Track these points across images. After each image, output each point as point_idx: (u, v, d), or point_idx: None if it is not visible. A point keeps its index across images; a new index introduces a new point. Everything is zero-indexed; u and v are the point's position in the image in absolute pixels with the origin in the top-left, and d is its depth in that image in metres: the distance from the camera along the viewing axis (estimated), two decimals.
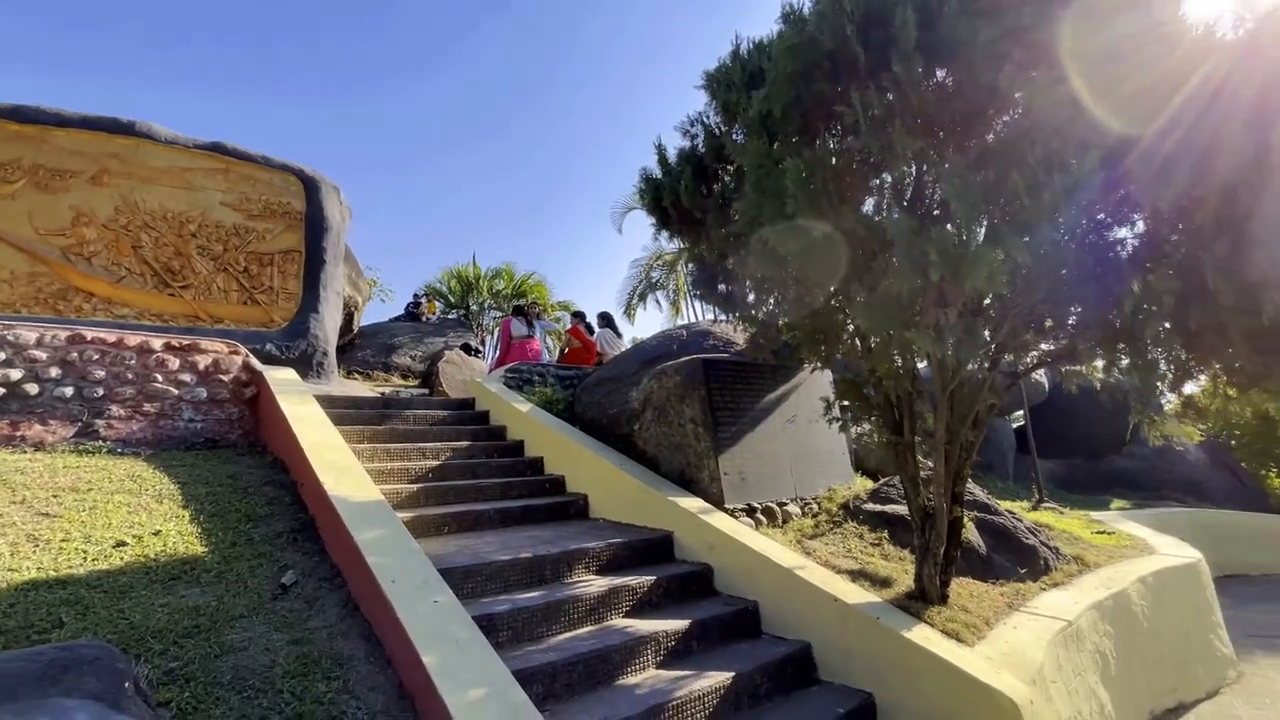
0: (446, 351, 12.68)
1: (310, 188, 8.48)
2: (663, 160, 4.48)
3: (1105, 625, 4.06)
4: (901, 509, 5.14)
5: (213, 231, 7.57)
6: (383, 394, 8.06)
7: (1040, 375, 10.23)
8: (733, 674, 3.19)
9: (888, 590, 3.84)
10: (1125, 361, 3.15)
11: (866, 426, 4.37)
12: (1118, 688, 3.91)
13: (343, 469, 4.07)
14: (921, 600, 3.68)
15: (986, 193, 2.14)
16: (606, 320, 9.71)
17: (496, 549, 3.95)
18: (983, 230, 2.18)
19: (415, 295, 16.53)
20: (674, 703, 2.90)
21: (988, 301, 3.22)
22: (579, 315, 9.14)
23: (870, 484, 5.94)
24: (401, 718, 2.31)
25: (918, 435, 3.96)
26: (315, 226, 8.44)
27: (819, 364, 4.75)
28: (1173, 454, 11.46)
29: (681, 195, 4.09)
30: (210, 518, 3.70)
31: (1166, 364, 2.82)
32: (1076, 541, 5.55)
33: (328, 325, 8.44)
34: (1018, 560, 4.69)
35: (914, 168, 2.53)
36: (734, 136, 3.81)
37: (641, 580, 3.88)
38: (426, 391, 9.30)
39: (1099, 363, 2.96)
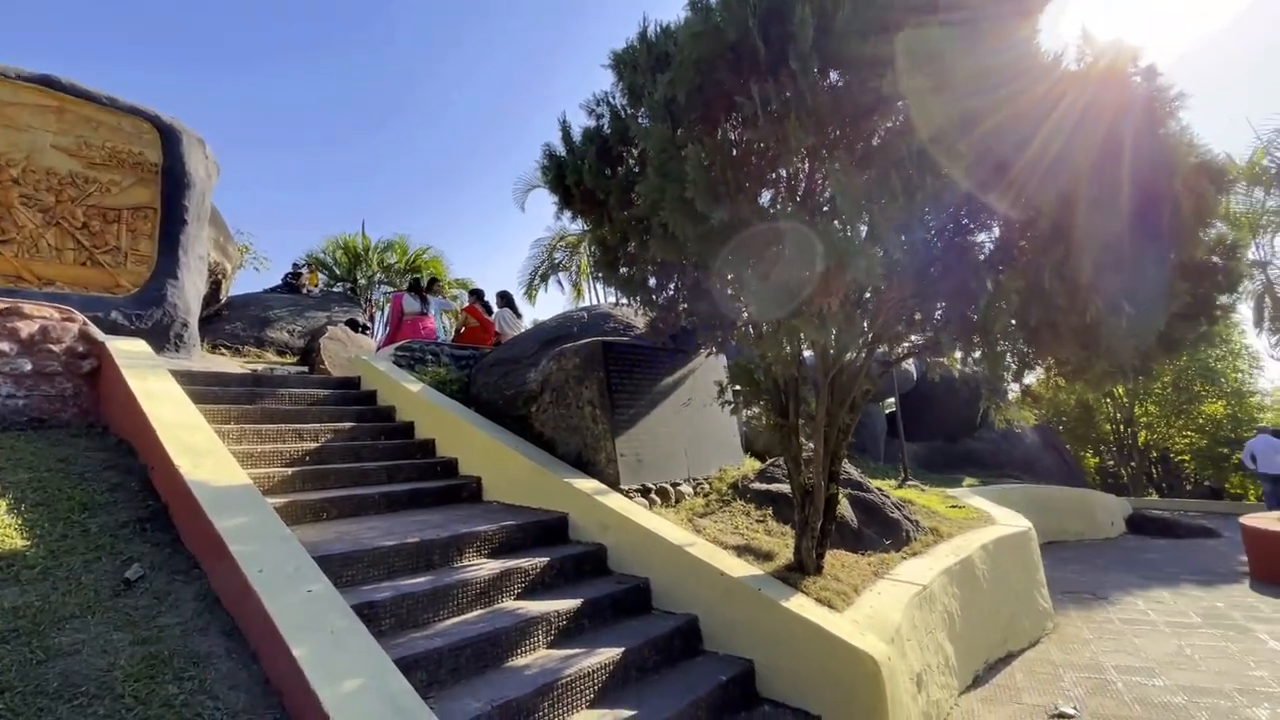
0: (330, 327, 11.85)
1: (168, 137, 7.54)
2: (567, 138, 4.40)
3: (953, 588, 4.55)
4: (785, 488, 5.46)
5: (41, 179, 6.54)
6: (254, 371, 7.38)
7: (909, 365, 11.21)
8: (622, 649, 3.26)
9: (770, 563, 4.07)
10: (978, 353, 3.52)
11: (756, 410, 4.57)
12: (961, 641, 4.41)
13: (203, 451, 3.70)
14: (799, 572, 3.93)
15: (869, 191, 2.30)
16: (506, 300, 9.46)
17: (380, 534, 3.77)
18: (865, 227, 2.35)
19: (295, 265, 15.24)
20: (563, 680, 2.92)
21: (868, 295, 3.47)
22: (477, 294, 8.83)
23: (758, 465, 6.25)
24: (268, 715, 2.15)
25: (801, 418, 4.20)
26: (174, 181, 7.52)
27: (714, 349, 4.92)
28: (1014, 437, 13.03)
29: (585, 175, 4.04)
30: (34, 508, 3.23)
31: (1011, 356, 3.17)
32: (934, 515, 6.16)
33: (188, 293, 7.59)
34: (884, 533, 5.14)
35: (807, 164, 2.67)
36: (639, 120, 3.81)
37: (534, 562, 3.86)
38: (306, 369, 8.63)
39: (958, 354, 3.27)
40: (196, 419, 4.22)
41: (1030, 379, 4.30)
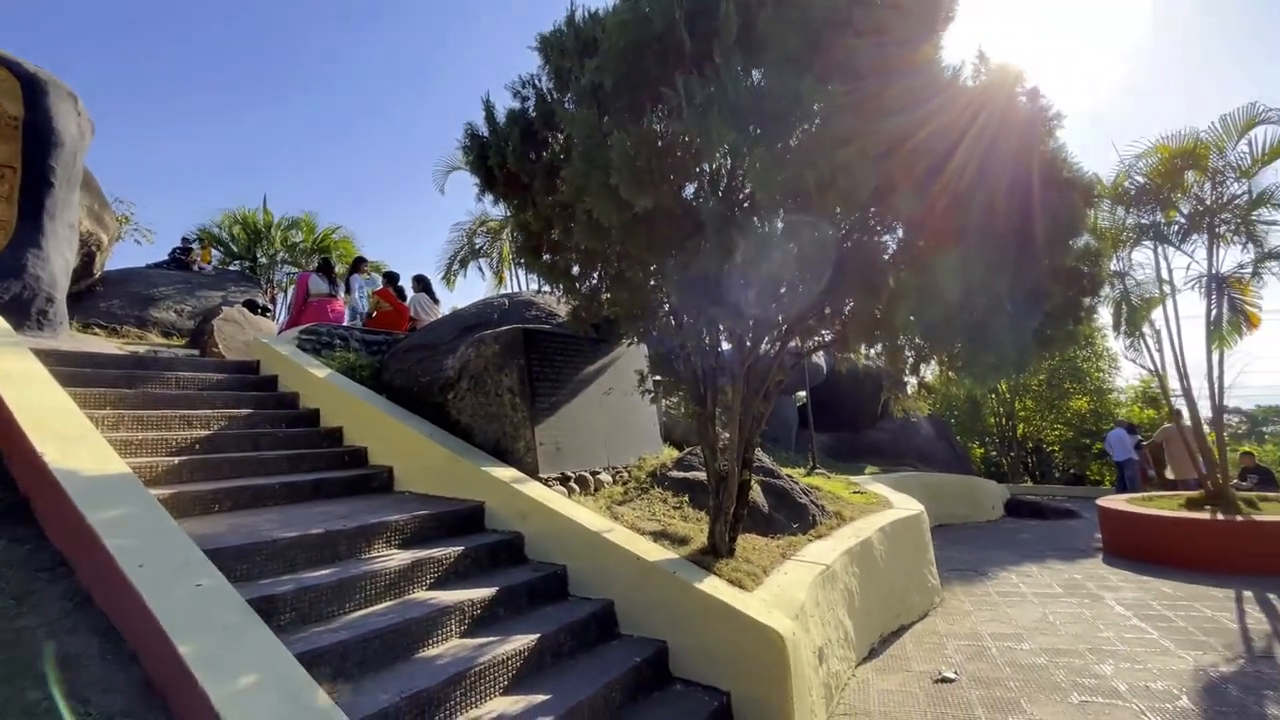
0: (226, 308, 10.99)
1: (32, 89, 6.71)
2: (490, 118, 4.29)
3: (853, 567, 4.86)
4: (701, 475, 5.61)
5: None
6: (135, 353, 6.73)
7: (820, 359, 11.80)
8: (537, 636, 3.26)
9: (685, 548, 4.18)
10: (880, 346, 3.77)
11: (676, 399, 4.67)
12: (859, 617, 4.71)
13: (72, 437, 3.35)
14: (713, 555, 4.07)
15: (786, 188, 2.41)
16: (423, 284, 9.12)
17: (280, 526, 3.57)
18: (781, 223, 2.46)
19: (185, 239, 13.97)
20: (476, 669, 2.89)
21: (783, 290, 3.62)
22: (390, 277, 8.44)
23: (676, 453, 6.39)
24: (148, 718, 2.00)
25: (718, 407, 4.33)
26: (39, 138, 6.71)
27: (636, 339, 4.97)
28: (911, 429, 14.01)
29: (509, 157, 3.96)
30: None
31: (910, 350, 3.41)
32: (838, 500, 6.53)
33: (54, 265, 6.81)
34: (793, 517, 5.40)
35: (729, 160, 2.75)
36: (565, 104, 3.78)
37: (448, 552, 3.77)
38: (196, 352, 7.96)
39: (863, 348, 3.48)
40: (64, 403, 3.81)
41: (926, 373, 4.65)
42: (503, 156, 3.99)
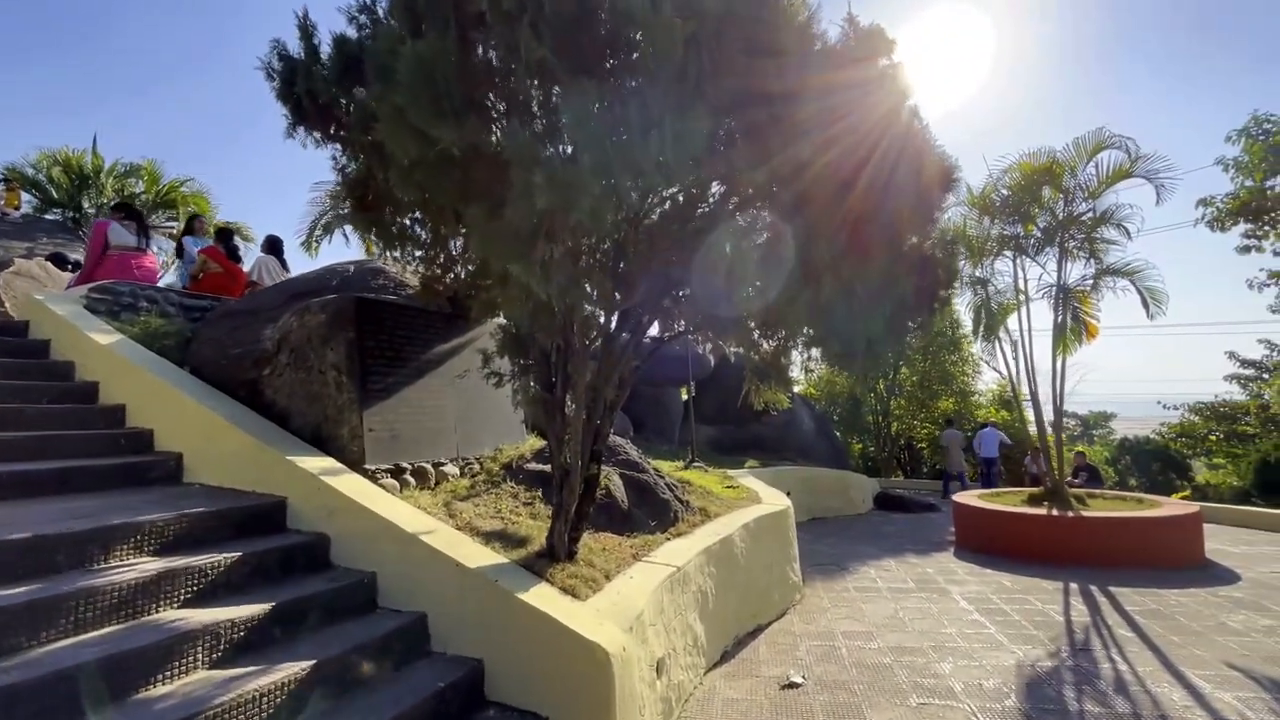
0: (22, 260, 9.26)
1: None
2: (306, 35, 3.57)
3: (711, 567, 4.60)
4: None
5: None
6: None
7: (707, 350, 11.77)
8: (313, 662, 2.68)
9: (520, 550, 3.72)
10: (754, 336, 3.48)
11: (530, 383, 4.20)
12: (714, 619, 4.47)
13: None
14: (550, 559, 3.63)
15: (606, 125, 1.99)
16: (273, 247, 8.02)
17: None
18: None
19: None
20: (214, 711, 2.28)
21: (623, 265, 3.22)
22: (223, 234, 7.28)
23: (540, 443, 5.91)
24: None
25: (570, 393, 3.89)
26: None
27: (489, 312, 4.43)
28: (794, 424, 14.38)
29: (319, 84, 3.28)
30: None
31: (760, 333, 3.12)
32: (708, 495, 6.32)
33: None
34: (654, 514, 5.08)
35: (542, 90, 2.29)
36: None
37: (219, 559, 3.09)
38: None
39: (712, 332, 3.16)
40: None
41: (792, 361, 4.45)
42: (313, 83, 3.30)
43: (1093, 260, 8.28)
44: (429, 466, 4.82)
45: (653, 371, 10.93)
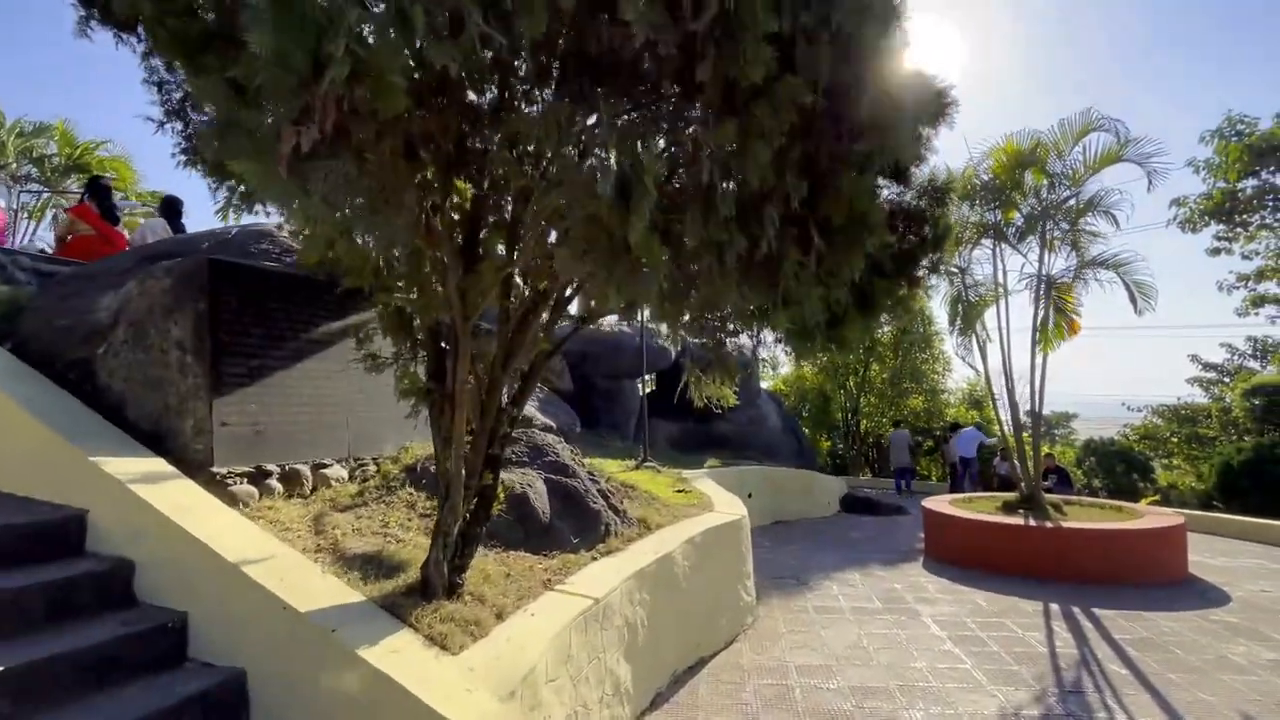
0: None
1: None
2: None
3: (644, 593, 3.86)
4: None
5: None
6: None
7: (666, 341, 11.02)
8: None
9: (388, 583, 2.92)
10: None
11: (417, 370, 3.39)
12: (644, 657, 3.73)
13: None
14: (423, 595, 2.84)
15: None
16: (169, 207, 6.98)
17: None
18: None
19: None
20: None
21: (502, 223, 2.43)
22: (97, 190, 6.23)
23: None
24: None
25: (460, 383, 3.09)
26: None
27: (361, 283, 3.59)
28: (761, 421, 13.76)
29: None
30: None
31: (683, 305, 2.36)
32: (653, 501, 5.58)
33: None
34: (580, 527, 4.32)
35: None
36: None
37: None
38: None
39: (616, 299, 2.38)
40: None
41: (740, 350, 3.72)
42: None
43: (1075, 252, 7.74)
44: (305, 469, 3.98)
45: (606, 362, 10.13)
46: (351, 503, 3.94)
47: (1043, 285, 7.40)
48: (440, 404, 3.02)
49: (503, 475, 4.41)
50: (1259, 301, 16.88)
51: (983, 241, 8.03)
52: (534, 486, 4.35)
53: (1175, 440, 21.30)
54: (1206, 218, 15.99)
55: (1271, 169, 15.02)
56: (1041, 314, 7.31)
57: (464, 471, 2.90)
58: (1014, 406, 7.95)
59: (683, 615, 4.31)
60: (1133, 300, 7.15)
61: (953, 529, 7.15)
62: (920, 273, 2.44)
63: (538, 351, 3.23)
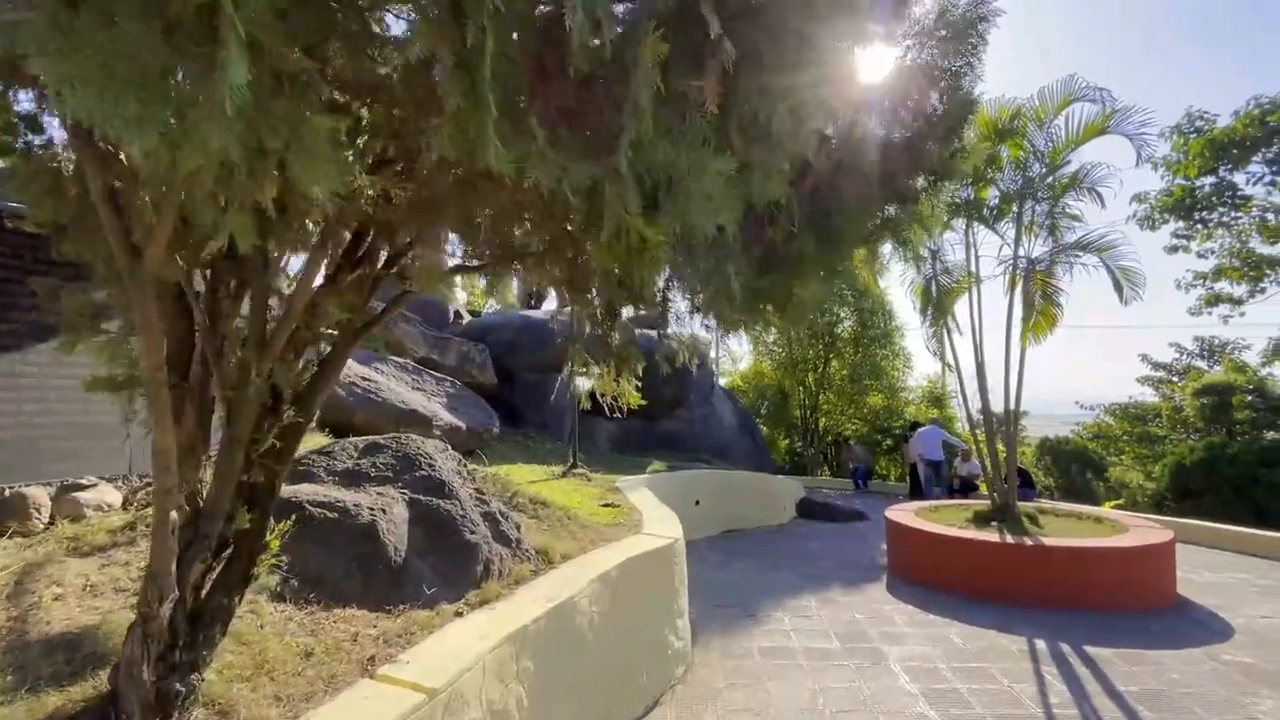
0: None
1: None
2: None
3: (524, 661, 2.82)
4: (312, 490, 3.26)
5: None
6: None
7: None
8: None
9: (74, 690, 1.81)
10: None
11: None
12: None
13: None
14: (114, 717, 1.73)
15: None
16: None
17: None
18: None
19: None
20: None
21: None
22: None
23: (321, 440, 3.97)
24: None
25: (217, 376, 1.99)
26: None
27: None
28: (713, 420, 12.87)
29: None
30: None
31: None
32: (567, 523, 4.56)
33: None
34: (450, 566, 3.25)
35: None
36: None
37: None
38: None
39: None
40: None
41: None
42: None
43: (1052, 237, 7.01)
44: (38, 493, 2.81)
45: (537, 353, 9.00)
46: (109, 541, 2.78)
47: (1021, 269, 6.63)
48: (165, 405, 1.91)
49: (351, 498, 3.30)
50: (1214, 300, 16.81)
51: (955, 222, 7.23)
52: (389, 513, 3.25)
53: (1126, 440, 21.37)
54: (1166, 215, 15.77)
55: (1229, 166, 14.85)
56: (1023, 300, 6.53)
57: (223, 506, 1.80)
58: (986, 405, 7.19)
59: (588, 676, 3.29)
60: (1118, 288, 6.44)
61: (920, 544, 6.33)
62: (920, 182, 1.49)
63: (344, 328, 2.15)
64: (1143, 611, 5.25)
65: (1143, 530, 5.99)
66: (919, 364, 24.12)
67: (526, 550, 3.73)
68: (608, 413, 11.02)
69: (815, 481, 19.22)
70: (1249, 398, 17.75)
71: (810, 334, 19.45)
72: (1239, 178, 14.89)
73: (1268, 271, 15.72)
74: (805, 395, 20.85)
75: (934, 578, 6.09)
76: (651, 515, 5.20)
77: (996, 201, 6.93)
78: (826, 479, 20.12)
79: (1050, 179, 6.72)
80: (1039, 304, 6.51)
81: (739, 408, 14.86)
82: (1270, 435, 17.60)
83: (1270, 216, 15.17)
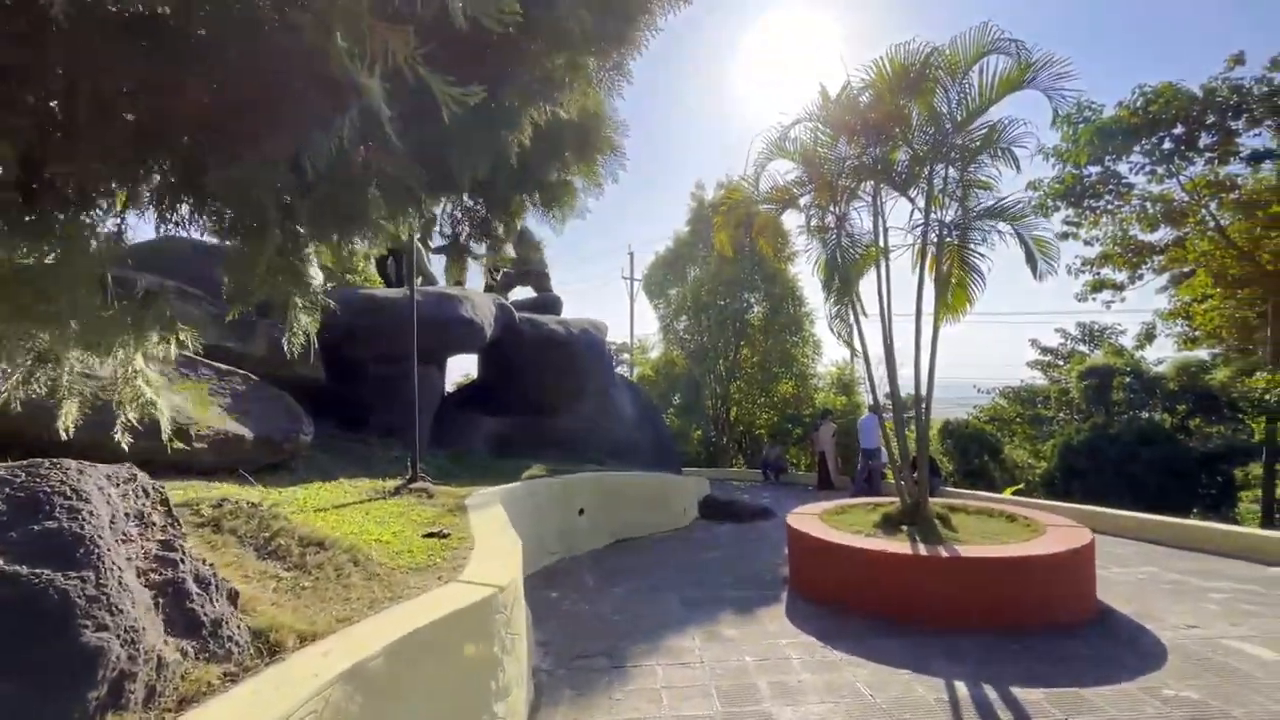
0: None
1: None
2: None
3: None
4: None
5: None
6: None
7: (474, 313, 8.61)
8: None
9: None
10: None
11: None
12: None
13: None
14: None
15: None
16: None
17: None
18: None
19: None
20: None
21: None
22: None
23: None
24: None
25: None
26: None
27: None
28: (612, 415, 11.76)
29: None
30: None
31: None
32: (349, 570, 3.26)
33: None
34: (39, 689, 1.89)
35: None
36: None
37: None
38: None
39: None
40: None
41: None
42: None
43: (962, 206, 6.32)
44: None
45: (384, 341, 7.44)
46: None
47: (932, 241, 5.88)
48: None
49: None
50: (1099, 286, 17.48)
51: (863, 189, 6.41)
52: None
53: (1019, 422, 22.20)
54: (1057, 202, 16.14)
55: (1114, 156, 15.30)
56: (934, 274, 5.78)
57: None
58: (895, 391, 6.44)
59: None
60: (1031, 262, 5.82)
61: (823, 558, 5.47)
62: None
63: None
64: (1068, 629, 4.60)
65: (1061, 532, 5.38)
66: (828, 350, 24.14)
67: (230, 636, 2.40)
68: (487, 410, 9.58)
69: (726, 474, 18.62)
70: (1127, 379, 18.69)
71: (720, 319, 18.77)
72: (1123, 167, 15.38)
73: (1146, 259, 16.47)
74: (716, 384, 20.22)
75: (840, 595, 5.25)
76: (485, 549, 3.96)
77: (907, 162, 6.14)
78: (738, 470, 19.63)
79: (962, 140, 6.00)
80: (955, 276, 5.79)
81: (642, 400, 13.83)
82: (1144, 415, 18.64)
83: (1149, 206, 15.81)
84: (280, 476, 5.12)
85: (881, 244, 6.35)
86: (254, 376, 5.50)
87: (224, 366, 5.35)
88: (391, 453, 6.78)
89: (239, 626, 2.49)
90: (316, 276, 2.36)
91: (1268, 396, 14.44)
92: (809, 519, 6.16)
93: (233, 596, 2.61)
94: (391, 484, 5.55)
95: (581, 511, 7.53)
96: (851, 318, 6.49)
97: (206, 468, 4.48)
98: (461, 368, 19.89)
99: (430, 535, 4.15)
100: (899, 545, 5.19)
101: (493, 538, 4.23)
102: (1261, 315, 16.14)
